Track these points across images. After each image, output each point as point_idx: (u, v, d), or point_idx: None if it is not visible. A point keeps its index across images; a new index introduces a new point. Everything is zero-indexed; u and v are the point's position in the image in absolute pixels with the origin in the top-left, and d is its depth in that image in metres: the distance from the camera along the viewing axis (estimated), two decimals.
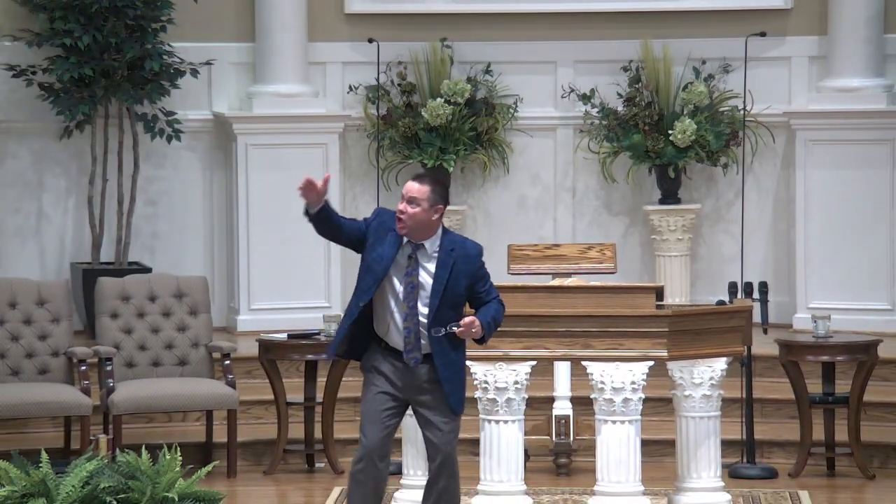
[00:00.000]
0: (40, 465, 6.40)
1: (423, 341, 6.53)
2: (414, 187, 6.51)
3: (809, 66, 10.88)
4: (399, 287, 6.51)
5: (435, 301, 6.50)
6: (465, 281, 6.54)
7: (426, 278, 6.51)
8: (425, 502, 6.65)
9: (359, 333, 6.61)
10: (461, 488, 7.89)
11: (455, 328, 6.50)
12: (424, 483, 6.72)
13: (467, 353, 7.33)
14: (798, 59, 10.90)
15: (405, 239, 6.53)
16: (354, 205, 11.03)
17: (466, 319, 6.54)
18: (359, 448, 6.62)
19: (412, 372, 6.56)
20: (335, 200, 10.87)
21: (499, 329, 7.33)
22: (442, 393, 6.57)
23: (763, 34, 10.65)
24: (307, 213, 6.58)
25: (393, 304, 6.53)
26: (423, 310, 6.51)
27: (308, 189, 6.54)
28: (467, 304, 6.66)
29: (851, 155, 10.60)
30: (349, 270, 10.18)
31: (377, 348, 6.61)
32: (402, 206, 6.51)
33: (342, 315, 6.77)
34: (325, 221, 6.58)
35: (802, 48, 10.90)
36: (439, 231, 6.56)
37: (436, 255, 6.52)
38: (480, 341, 6.62)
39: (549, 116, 11.02)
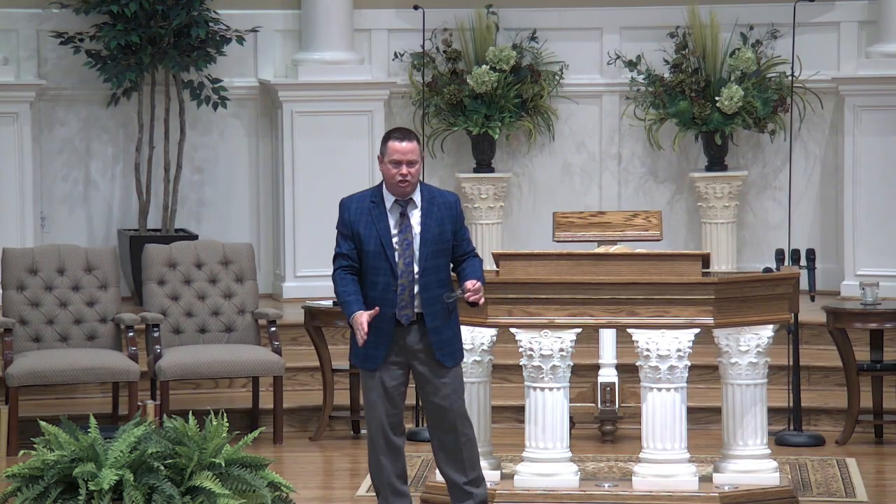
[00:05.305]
0: (89, 430, 6.44)
1: (415, 299, 6.55)
2: (409, 147, 6.57)
3: (858, 31, 10.78)
4: (393, 248, 6.56)
5: (426, 250, 6.57)
6: (450, 226, 6.63)
7: (416, 231, 6.59)
8: (448, 460, 6.64)
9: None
10: (506, 455, 7.89)
11: (461, 294, 6.54)
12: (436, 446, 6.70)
13: (514, 321, 7.33)
14: (847, 24, 10.80)
15: (389, 202, 6.57)
16: None
17: (470, 283, 6.56)
18: (373, 421, 6.61)
19: (407, 332, 6.58)
20: (376, 170, 10.83)
21: (544, 296, 7.34)
22: (434, 358, 6.59)
23: None
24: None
25: (390, 265, 6.56)
26: (416, 265, 6.56)
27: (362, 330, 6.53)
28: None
29: None
30: None
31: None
32: (403, 170, 6.55)
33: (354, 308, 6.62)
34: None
35: (851, 13, 10.79)
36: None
37: (419, 205, 6.60)
38: (474, 305, 6.64)
39: (595, 83, 10.97)
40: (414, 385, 6.75)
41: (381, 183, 6.68)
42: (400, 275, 6.54)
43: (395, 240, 6.57)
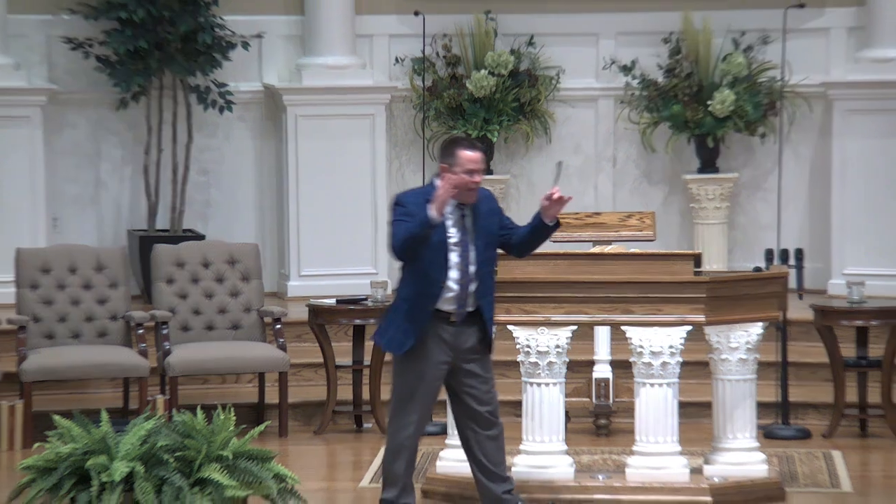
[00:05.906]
0: (100, 423, 6.55)
1: (469, 298, 6.73)
2: (477, 156, 6.70)
3: (847, 36, 10.86)
4: (452, 249, 6.72)
5: (480, 244, 6.72)
6: (496, 220, 6.80)
7: (471, 231, 6.75)
8: (488, 449, 6.83)
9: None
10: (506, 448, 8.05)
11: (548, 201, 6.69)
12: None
13: (512, 319, 7.43)
14: (836, 29, 10.88)
15: (450, 205, 6.71)
16: (400, 173, 11.18)
17: (551, 191, 6.70)
18: (407, 418, 6.75)
19: (462, 333, 6.75)
20: (381, 170, 11.03)
21: (541, 295, 7.47)
22: (485, 352, 6.77)
23: (802, 5, 10.65)
24: (431, 224, 6.60)
25: (446, 262, 6.71)
26: (472, 266, 6.74)
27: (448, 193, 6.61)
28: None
29: (888, 125, 10.58)
30: None
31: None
32: (477, 178, 6.69)
33: (399, 299, 6.73)
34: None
35: (840, 19, 10.88)
36: None
37: (470, 208, 6.77)
38: (553, 225, 6.79)
39: (591, 88, 11.06)
40: (450, 383, 6.91)
41: (433, 183, 6.74)
42: (459, 276, 6.68)
43: (453, 240, 6.70)
